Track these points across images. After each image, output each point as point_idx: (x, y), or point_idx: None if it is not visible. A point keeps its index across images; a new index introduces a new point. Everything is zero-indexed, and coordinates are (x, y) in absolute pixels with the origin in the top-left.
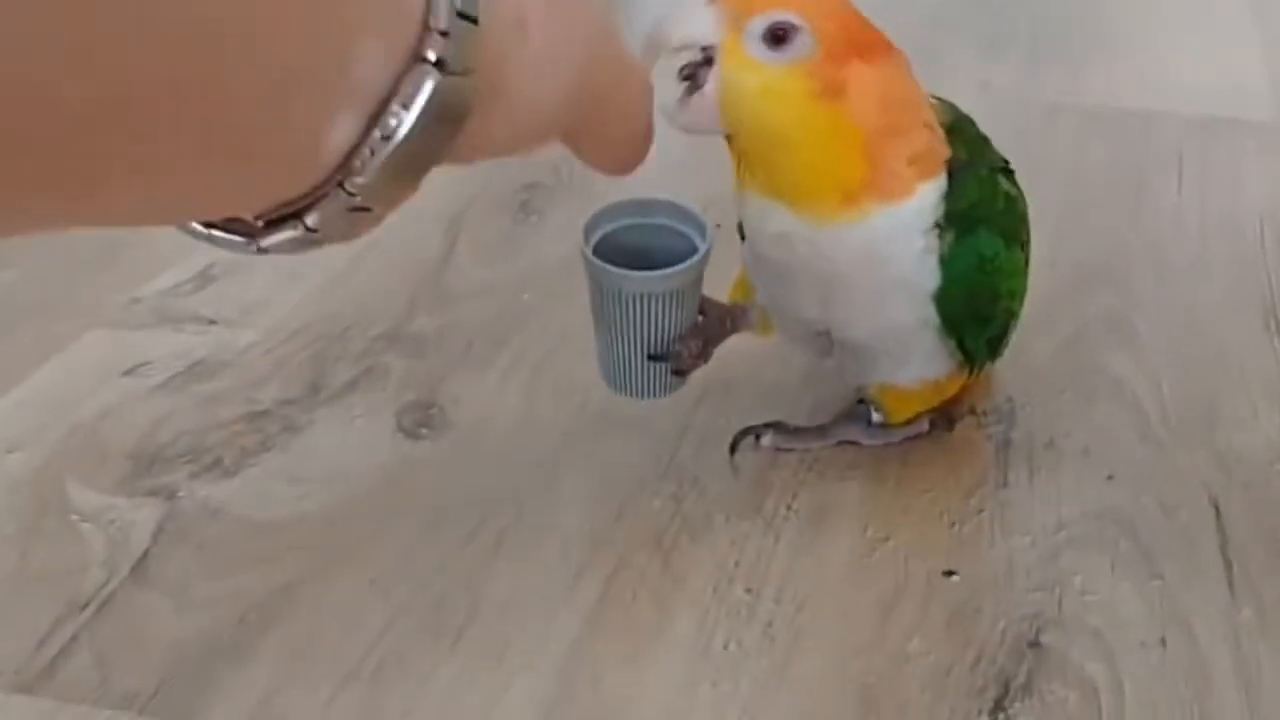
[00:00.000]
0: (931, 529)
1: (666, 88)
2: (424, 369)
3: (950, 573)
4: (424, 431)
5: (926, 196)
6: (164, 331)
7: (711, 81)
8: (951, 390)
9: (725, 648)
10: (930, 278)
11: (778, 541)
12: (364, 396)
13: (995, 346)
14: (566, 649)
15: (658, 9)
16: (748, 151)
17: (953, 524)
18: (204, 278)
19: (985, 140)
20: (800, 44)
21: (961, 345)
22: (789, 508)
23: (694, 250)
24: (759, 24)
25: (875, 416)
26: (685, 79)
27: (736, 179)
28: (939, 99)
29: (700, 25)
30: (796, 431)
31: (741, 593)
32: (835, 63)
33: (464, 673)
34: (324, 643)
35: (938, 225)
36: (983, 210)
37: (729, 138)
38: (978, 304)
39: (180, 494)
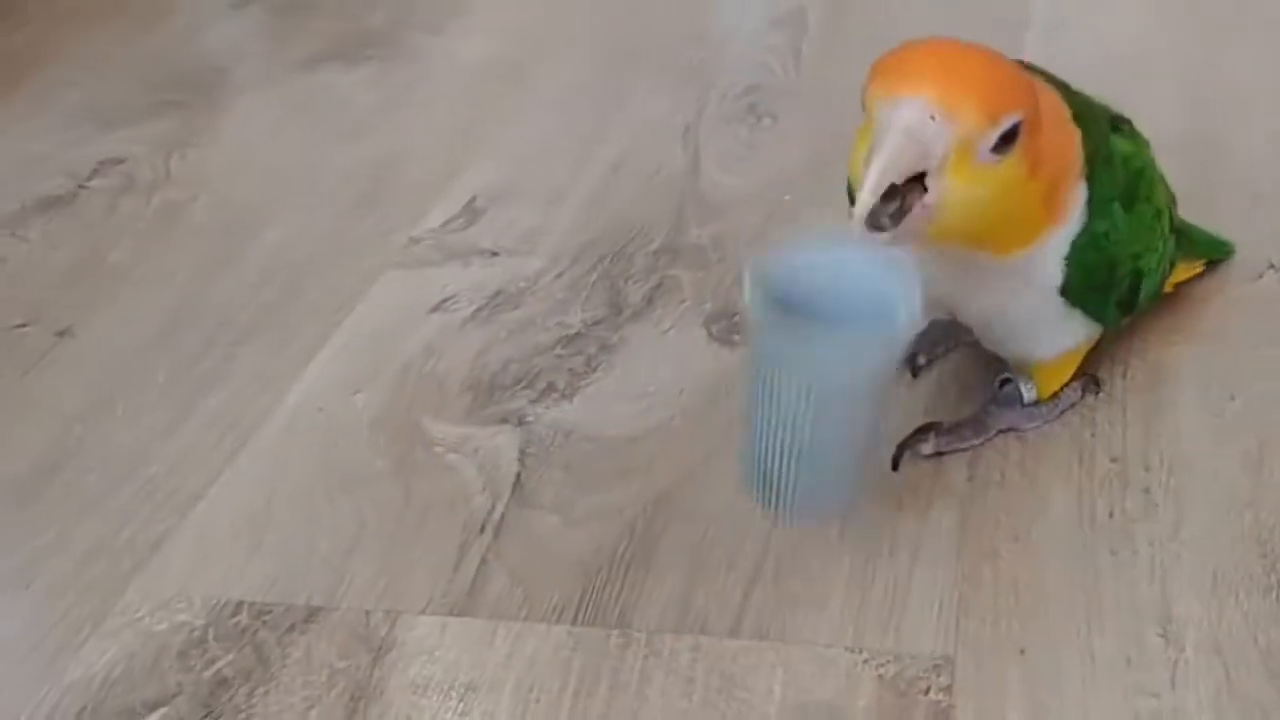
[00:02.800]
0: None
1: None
2: (713, 279)
3: None
4: (735, 338)
5: (1076, 207)
6: (454, 267)
7: (932, 196)
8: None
9: (1110, 516)
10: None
11: (1125, 412)
12: (665, 310)
13: (1126, 307)
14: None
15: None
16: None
17: None
18: (471, 211)
19: (1087, 98)
20: (1020, 136)
21: (1090, 314)
22: (1124, 375)
23: None
24: (993, 135)
25: (1028, 394)
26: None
27: None
28: (1039, 72)
29: (925, 150)
30: (954, 430)
31: (1107, 462)
32: (1032, 138)
33: (863, 557)
34: (719, 542)
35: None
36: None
37: None
38: (1095, 280)
39: (529, 419)
